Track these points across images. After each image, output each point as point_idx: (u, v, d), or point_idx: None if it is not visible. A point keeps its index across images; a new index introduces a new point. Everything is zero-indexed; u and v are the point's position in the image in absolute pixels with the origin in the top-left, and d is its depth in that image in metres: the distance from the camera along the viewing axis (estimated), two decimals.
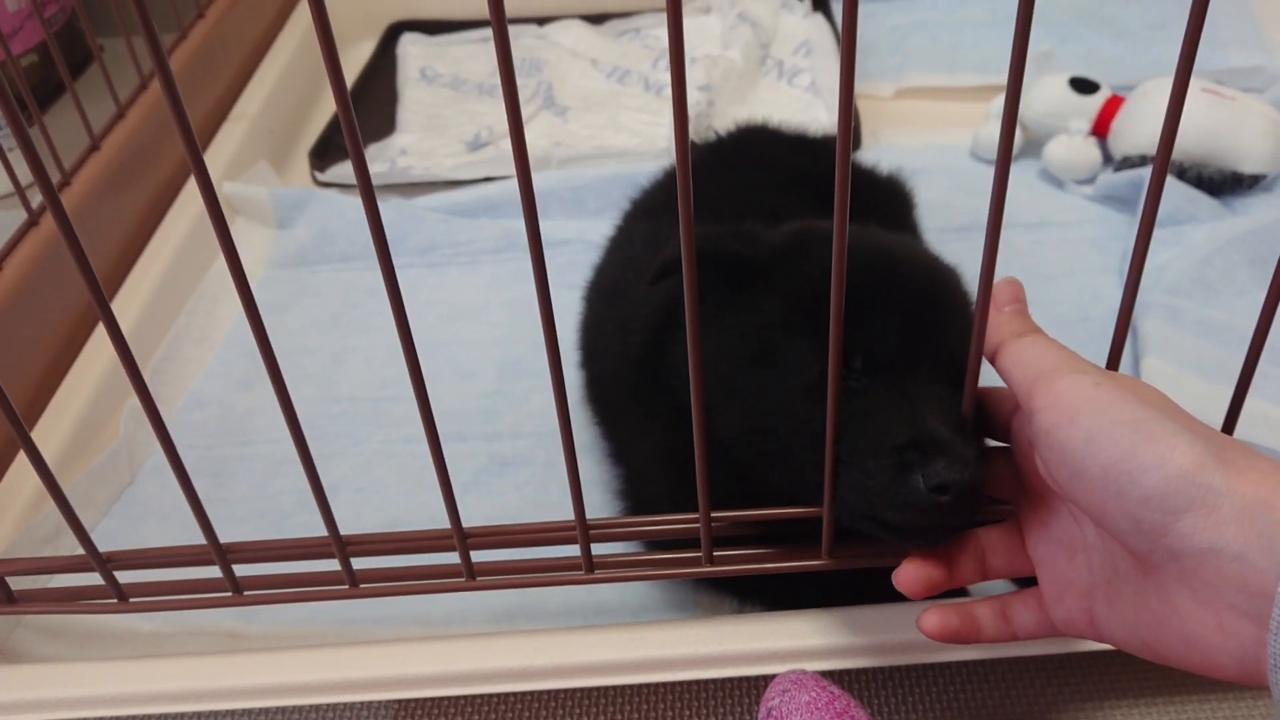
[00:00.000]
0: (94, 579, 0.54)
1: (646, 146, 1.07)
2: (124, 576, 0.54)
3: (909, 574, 0.47)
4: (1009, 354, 0.44)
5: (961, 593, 0.55)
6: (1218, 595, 0.36)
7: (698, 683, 0.61)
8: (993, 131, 1.03)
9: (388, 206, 0.99)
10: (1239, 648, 0.36)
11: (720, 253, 0.51)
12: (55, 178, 0.85)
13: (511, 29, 0.35)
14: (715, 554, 0.52)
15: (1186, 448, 0.36)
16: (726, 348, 0.51)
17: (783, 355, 0.49)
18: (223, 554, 0.52)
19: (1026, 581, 0.48)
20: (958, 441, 0.44)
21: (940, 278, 0.52)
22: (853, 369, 0.47)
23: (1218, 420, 0.49)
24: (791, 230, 0.54)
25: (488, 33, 1.32)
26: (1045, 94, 1.00)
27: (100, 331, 0.84)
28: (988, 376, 0.46)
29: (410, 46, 1.30)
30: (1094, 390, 0.39)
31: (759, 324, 0.51)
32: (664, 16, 1.33)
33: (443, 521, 0.51)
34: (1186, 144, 0.91)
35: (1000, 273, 0.44)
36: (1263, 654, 0.35)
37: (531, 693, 0.61)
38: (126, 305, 0.86)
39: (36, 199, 0.83)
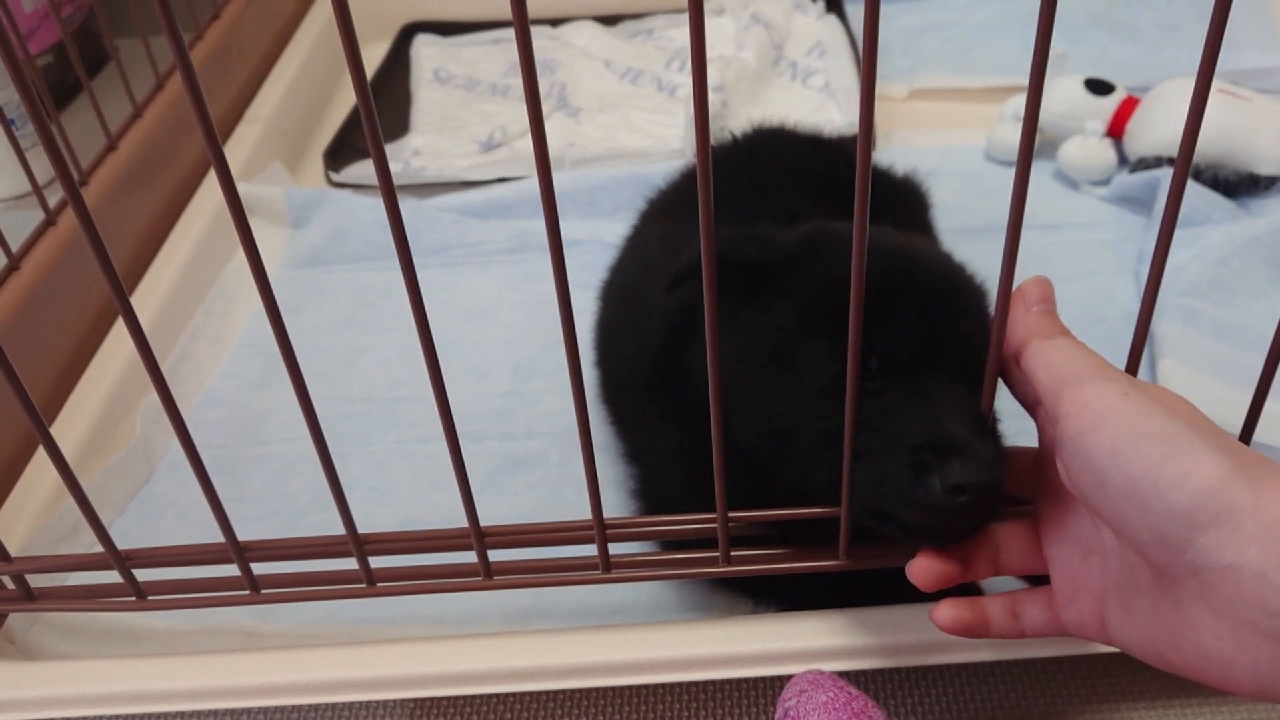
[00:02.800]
0: (112, 577, 0.54)
1: (659, 147, 1.07)
2: (141, 574, 0.54)
3: (922, 567, 0.47)
4: (1036, 355, 0.43)
5: (973, 587, 0.55)
6: (1236, 612, 0.36)
7: (713, 683, 0.61)
8: (1007, 132, 1.03)
9: (401, 207, 0.99)
10: (1255, 664, 0.36)
11: (735, 257, 0.51)
12: (73, 177, 0.86)
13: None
14: (732, 554, 0.52)
15: (1213, 464, 0.36)
16: (742, 349, 0.51)
17: (798, 356, 0.49)
18: (241, 552, 0.52)
19: (1039, 579, 0.48)
20: (975, 442, 0.44)
21: (956, 275, 0.52)
22: (869, 369, 0.47)
23: (1237, 422, 0.49)
24: (806, 232, 0.54)
25: (501, 34, 1.32)
26: (1060, 95, 1.00)
27: (117, 330, 0.85)
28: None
29: (424, 48, 1.30)
30: (1122, 400, 0.39)
31: (774, 325, 0.50)
32: (677, 18, 1.34)
33: (456, 521, 0.51)
34: (1202, 145, 0.91)
35: (1014, 275, 0.44)
36: None
37: (546, 692, 0.61)
38: (142, 305, 0.87)
39: (54, 198, 0.83)
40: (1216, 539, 0.35)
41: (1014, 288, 0.45)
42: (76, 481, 0.49)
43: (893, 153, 1.04)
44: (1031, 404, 0.47)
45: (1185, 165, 0.39)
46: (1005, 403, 0.51)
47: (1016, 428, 0.52)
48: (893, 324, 0.47)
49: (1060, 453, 0.41)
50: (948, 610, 0.47)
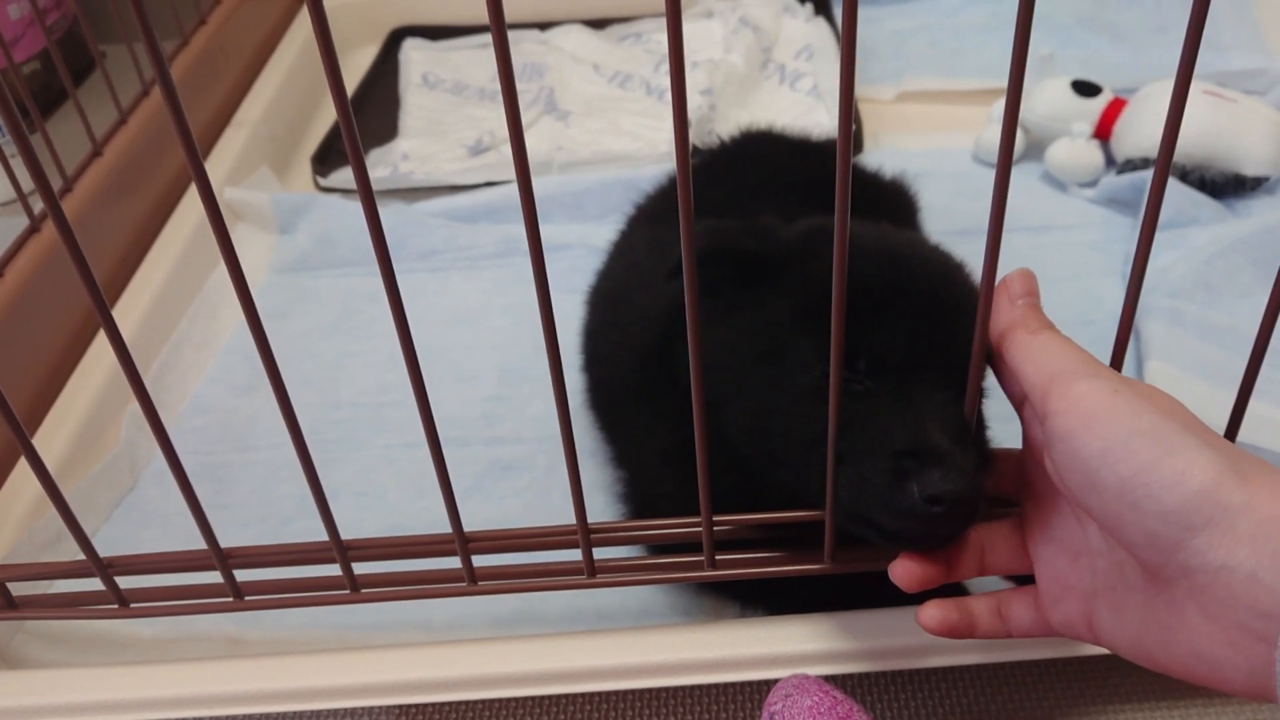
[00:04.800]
0: (95, 584, 0.54)
1: (648, 151, 1.06)
2: (125, 582, 0.54)
3: (904, 569, 0.46)
4: (1021, 349, 0.43)
5: (959, 586, 0.55)
6: (1228, 612, 0.35)
7: (700, 687, 0.61)
8: (995, 135, 1.03)
9: (389, 211, 0.99)
10: (1248, 664, 0.35)
11: (733, 249, 0.51)
12: (57, 184, 0.86)
13: (513, 34, 0.35)
14: (717, 558, 0.52)
15: (1207, 464, 0.36)
16: (735, 343, 0.50)
17: (788, 354, 0.49)
18: (224, 559, 0.52)
19: (1026, 578, 0.48)
20: (956, 451, 0.44)
21: (953, 280, 0.51)
22: (857, 369, 0.47)
23: (1222, 422, 0.49)
24: (805, 228, 0.53)
25: (489, 38, 1.32)
26: (1047, 97, 1.00)
27: (102, 337, 0.85)
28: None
29: (412, 52, 1.30)
30: (1112, 398, 0.39)
31: (768, 321, 0.50)
32: (665, 21, 1.33)
33: (443, 526, 0.51)
34: (1189, 146, 0.91)
35: (1002, 276, 0.43)
36: (1273, 671, 0.35)
37: (533, 698, 0.61)
38: (128, 311, 0.86)
39: (38, 205, 0.83)
40: (1209, 540, 0.35)
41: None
42: (57, 489, 0.49)
43: (881, 155, 1.04)
44: (1017, 401, 0.46)
45: (1165, 166, 0.39)
46: (996, 405, 0.51)
47: (1007, 430, 0.52)
48: (884, 325, 0.47)
49: (1049, 451, 0.41)
50: (933, 611, 0.47)
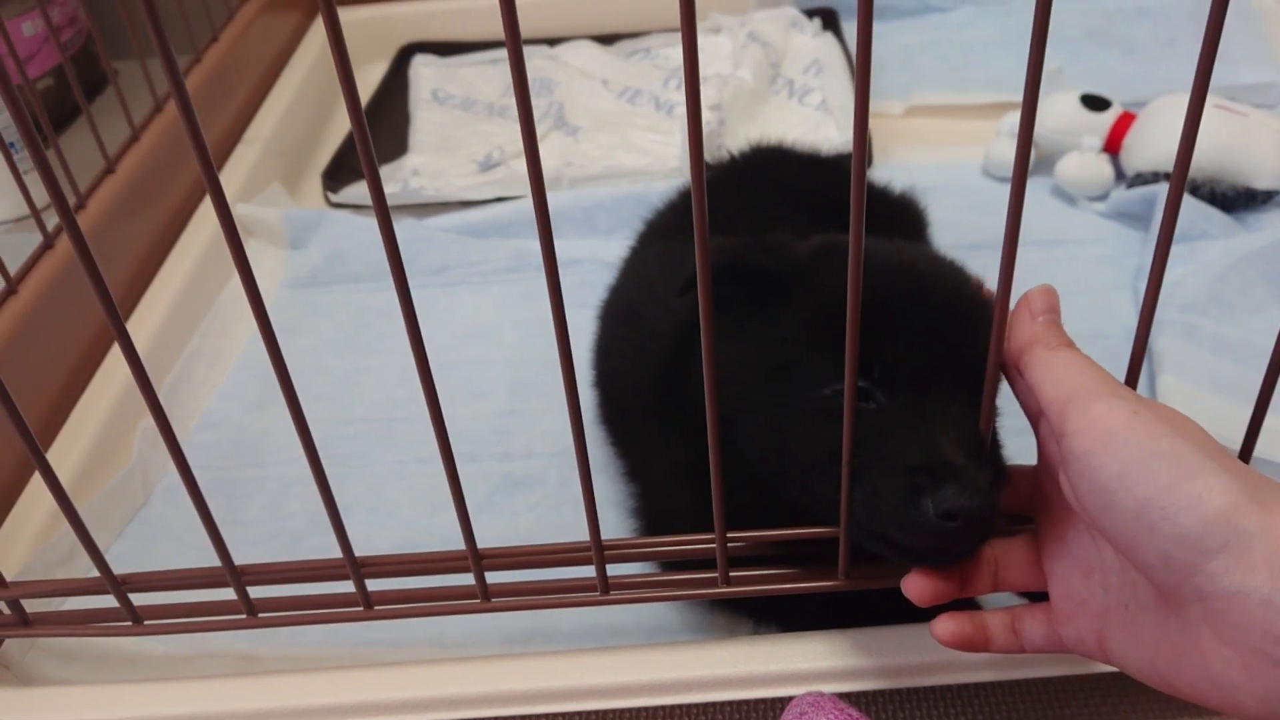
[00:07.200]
0: (108, 601, 0.54)
1: (658, 166, 1.07)
2: (138, 598, 0.54)
3: (918, 582, 0.46)
4: (1040, 366, 0.43)
5: (972, 602, 0.55)
6: (1244, 637, 0.35)
7: (714, 705, 0.60)
8: (1003, 149, 1.03)
9: (400, 227, 0.98)
10: (1264, 689, 0.35)
11: (746, 265, 0.51)
12: (70, 200, 0.86)
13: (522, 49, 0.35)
14: (731, 574, 0.52)
15: (1225, 488, 0.36)
16: (747, 359, 0.50)
17: (801, 370, 0.49)
18: (237, 575, 0.52)
19: (1041, 595, 0.48)
20: (971, 466, 0.44)
21: (967, 294, 0.51)
22: (871, 378, 0.46)
23: (1237, 438, 0.49)
24: (817, 243, 0.53)
25: (499, 54, 1.33)
26: (1057, 111, 1.00)
27: (115, 353, 0.85)
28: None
29: (422, 68, 1.31)
30: (1131, 418, 0.38)
31: (780, 337, 0.50)
32: (674, 36, 1.34)
33: (456, 542, 0.51)
34: (1199, 160, 0.91)
35: (1012, 291, 0.43)
36: None
37: (546, 715, 0.60)
38: (141, 327, 0.87)
39: (51, 222, 0.83)
40: (1224, 564, 0.35)
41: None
42: (71, 505, 0.49)
43: (890, 170, 1.04)
44: (1034, 415, 0.46)
45: (1180, 181, 0.39)
46: (1009, 420, 0.51)
47: (1021, 444, 0.51)
48: (898, 339, 0.47)
49: (1066, 470, 0.41)
50: (948, 624, 0.47)
